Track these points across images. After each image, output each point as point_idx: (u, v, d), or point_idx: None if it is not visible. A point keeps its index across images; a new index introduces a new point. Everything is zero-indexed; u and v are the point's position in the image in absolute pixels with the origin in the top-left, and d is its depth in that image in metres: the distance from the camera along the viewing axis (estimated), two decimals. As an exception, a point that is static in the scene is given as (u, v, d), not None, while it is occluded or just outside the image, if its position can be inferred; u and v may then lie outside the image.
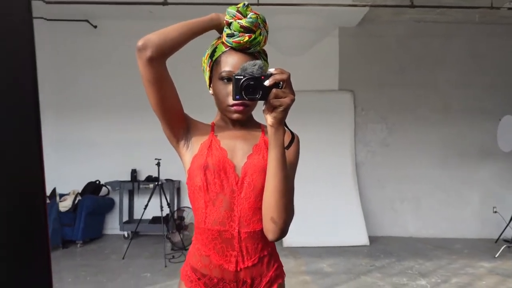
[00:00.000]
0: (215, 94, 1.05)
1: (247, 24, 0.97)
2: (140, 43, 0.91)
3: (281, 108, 0.87)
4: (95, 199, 4.79)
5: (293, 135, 0.98)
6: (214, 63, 1.03)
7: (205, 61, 1.06)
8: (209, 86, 1.08)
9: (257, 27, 0.99)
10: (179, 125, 1.04)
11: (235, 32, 0.98)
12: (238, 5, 0.99)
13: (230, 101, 1.00)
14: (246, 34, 0.97)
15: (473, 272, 3.72)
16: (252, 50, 1.01)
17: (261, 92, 0.87)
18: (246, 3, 1.00)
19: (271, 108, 0.88)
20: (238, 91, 0.88)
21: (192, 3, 4.15)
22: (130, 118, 5.01)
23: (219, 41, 1.04)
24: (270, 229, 0.97)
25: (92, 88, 5.20)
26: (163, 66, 0.95)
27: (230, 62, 1.00)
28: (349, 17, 4.89)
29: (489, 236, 4.97)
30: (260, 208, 1.00)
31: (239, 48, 1.00)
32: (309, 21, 4.73)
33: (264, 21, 1.01)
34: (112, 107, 5.16)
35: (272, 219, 0.95)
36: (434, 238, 5.05)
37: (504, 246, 4.33)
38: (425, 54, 5.26)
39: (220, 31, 1.03)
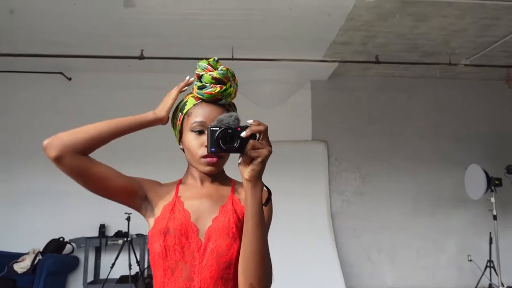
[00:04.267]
0: (187, 147, 1.01)
1: (218, 76, 0.98)
2: (45, 142, 0.89)
3: (259, 160, 0.83)
4: (57, 258, 4.42)
5: (269, 191, 0.93)
6: (185, 115, 1.01)
7: (175, 116, 1.05)
8: (179, 141, 1.05)
9: (228, 79, 1.00)
10: (131, 198, 0.99)
11: (206, 84, 0.99)
12: (209, 59, 1.01)
13: (203, 152, 0.96)
14: (218, 85, 0.98)
15: (456, 326, 3.63)
16: (223, 101, 1.01)
17: (238, 141, 0.83)
18: (216, 58, 1.02)
19: (248, 161, 0.83)
20: (214, 143, 0.83)
21: (167, 58, 4.23)
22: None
23: (189, 95, 1.04)
24: None
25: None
26: (78, 161, 0.92)
27: (202, 113, 0.99)
28: (320, 72, 5.11)
29: (467, 285, 4.93)
30: (222, 278, 0.91)
31: (211, 100, 1.00)
32: (282, 75, 4.91)
33: (233, 75, 1.03)
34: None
35: (251, 286, 0.86)
36: (414, 289, 4.95)
37: (483, 296, 4.29)
38: (393, 106, 5.52)
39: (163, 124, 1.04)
